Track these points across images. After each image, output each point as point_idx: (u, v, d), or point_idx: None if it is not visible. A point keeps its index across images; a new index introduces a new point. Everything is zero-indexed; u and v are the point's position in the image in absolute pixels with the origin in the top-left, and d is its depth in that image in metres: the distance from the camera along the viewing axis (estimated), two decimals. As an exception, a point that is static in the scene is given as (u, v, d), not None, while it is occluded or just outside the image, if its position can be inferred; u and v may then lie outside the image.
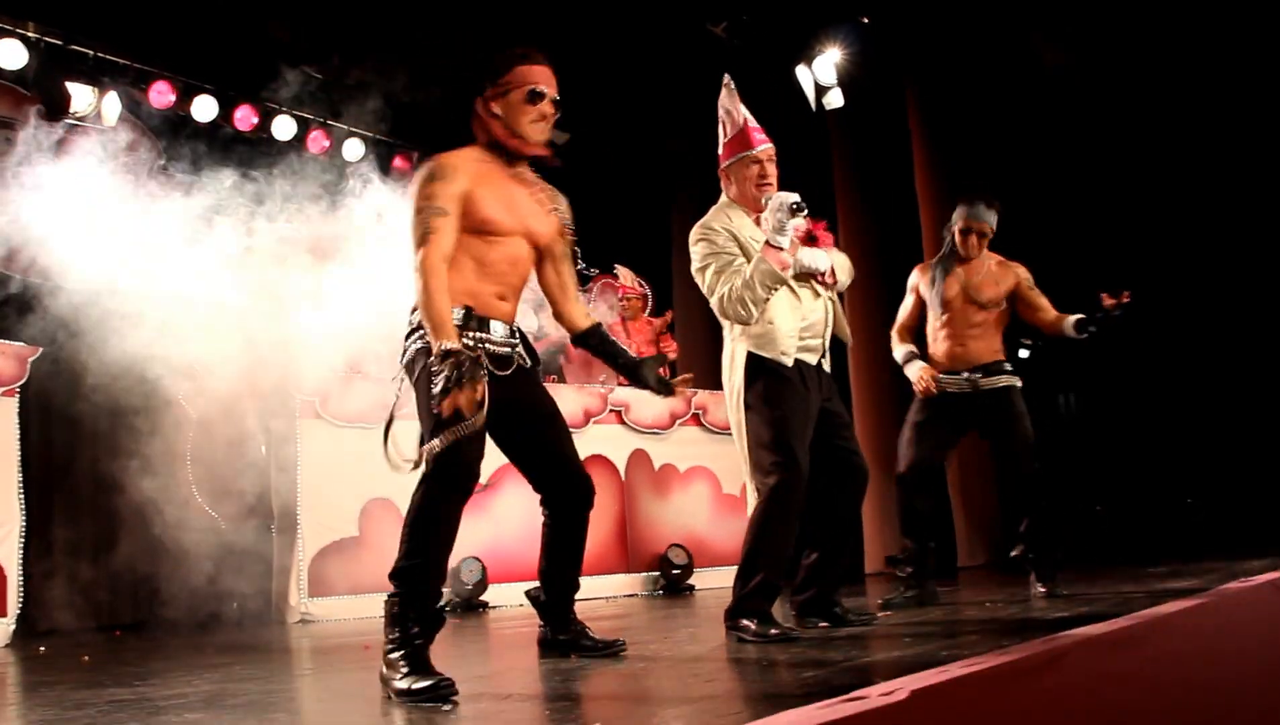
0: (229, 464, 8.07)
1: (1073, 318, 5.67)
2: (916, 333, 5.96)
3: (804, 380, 4.34)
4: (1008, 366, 5.80)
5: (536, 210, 3.67)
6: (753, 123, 4.50)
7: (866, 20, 8.96)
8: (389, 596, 3.28)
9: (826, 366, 4.53)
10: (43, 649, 5.75)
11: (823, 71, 9.08)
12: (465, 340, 3.31)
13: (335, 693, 3.51)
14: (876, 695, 2.17)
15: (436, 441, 3.19)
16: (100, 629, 6.98)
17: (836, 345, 4.67)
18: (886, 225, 9.86)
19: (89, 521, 7.11)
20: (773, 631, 3.99)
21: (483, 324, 3.49)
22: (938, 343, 5.85)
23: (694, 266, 4.44)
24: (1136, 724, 2.70)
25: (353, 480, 7.22)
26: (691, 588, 8.43)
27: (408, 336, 3.51)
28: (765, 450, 4.24)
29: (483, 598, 7.39)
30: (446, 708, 2.85)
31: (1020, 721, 2.47)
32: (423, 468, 3.27)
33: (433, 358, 3.16)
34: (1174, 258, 9.61)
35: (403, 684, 3.03)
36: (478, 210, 3.43)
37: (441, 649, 3.27)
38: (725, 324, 4.45)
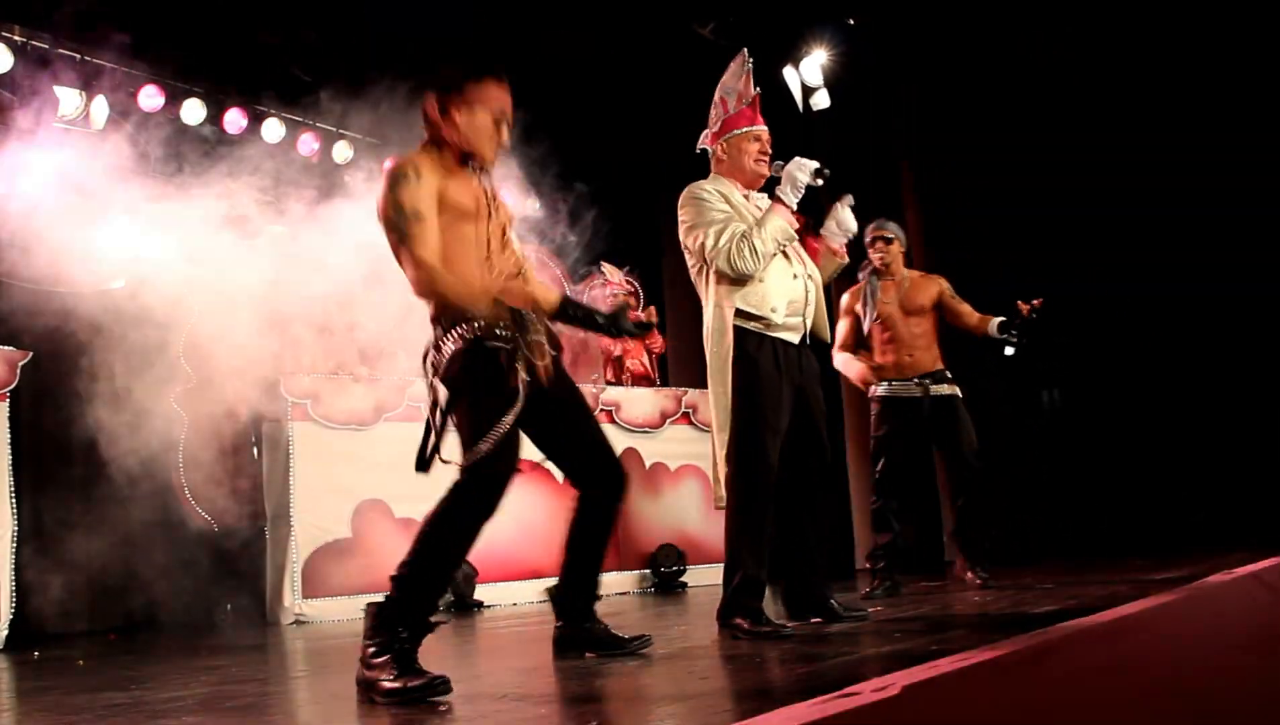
0: (221, 466, 8.08)
1: (996, 320, 6.17)
2: (855, 352, 6.41)
3: (782, 360, 4.33)
4: (949, 375, 6.32)
5: (495, 195, 3.60)
6: (759, 103, 4.54)
7: (853, 21, 9.00)
8: (385, 598, 3.20)
9: (825, 336, 4.61)
10: (36, 654, 5.75)
11: (810, 72, 9.13)
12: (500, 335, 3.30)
13: (332, 694, 3.52)
14: (869, 691, 2.20)
15: (484, 445, 3.18)
16: (94, 633, 6.98)
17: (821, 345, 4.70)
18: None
19: (81, 525, 7.09)
20: (765, 628, 4.02)
21: (516, 316, 3.40)
22: (885, 355, 6.33)
23: (683, 227, 4.41)
24: (1125, 716, 2.73)
25: (344, 482, 7.25)
26: (684, 585, 8.47)
27: (437, 346, 3.42)
28: (737, 440, 4.24)
29: (475, 597, 7.41)
30: (443, 707, 2.86)
31: (1011, 715, 2.51)
32: (457, 474, 3.26)
33: (465, 336, 3.23)
34: (1161, 252, 9.65)
35: (394, 684, 2.99)
36: (456, 201, 3.37)
37: (434, 648, 3.30)
38: (707, 288, 4.40)
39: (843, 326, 6.39)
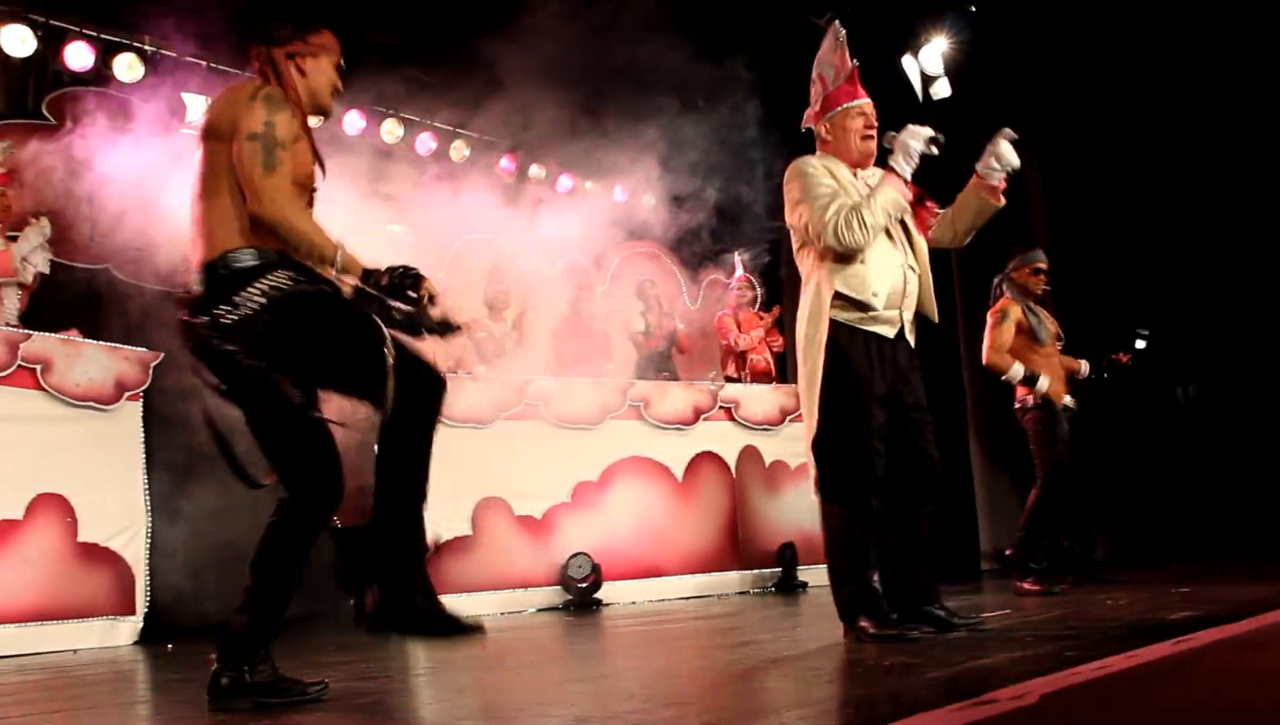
0: (346, 463, 8.21)
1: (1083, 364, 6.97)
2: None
3: (875, 355, 4.14)
4: None
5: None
6: (858, 75, 4.35)
7: (974, 8, 8.80)
8: (237, 631, 3.10)
9: (932, 316, 4.37)
10: (169, 646, 5.91)
11: (929, 61, 8.96)
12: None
13: (458, 690, 3.55)
14: (1006, 699, 2.13)
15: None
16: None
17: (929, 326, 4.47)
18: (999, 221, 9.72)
19: (211, 522, 7.27)
20: (890, 631, 3.92)
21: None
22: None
23: (788, 204, 4.26)
24: (1277, 729, 2.60)
25: (464, 480, 7.31)
26: (804, 585, 8.38)
27: (225, 292, 2.96)
28: (829, 436, 4.10)
29: (595, 595, 7.42)
30: (576, 706, 2.84)
31: (1154, 726, 2.41)
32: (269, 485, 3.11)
33: (357, 284, 2.98)
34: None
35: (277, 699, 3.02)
36: (304, 155, 3.16)
37: (558, 648, 3.28)
38: (807, 268, 4.26)
39: (1011, 331, 6.49)
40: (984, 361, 6.49)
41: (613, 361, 9.24)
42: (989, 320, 6.53)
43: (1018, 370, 6.35)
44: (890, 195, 4.10)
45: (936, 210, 4.47)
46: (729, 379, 9.18)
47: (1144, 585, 6.01)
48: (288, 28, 3.29)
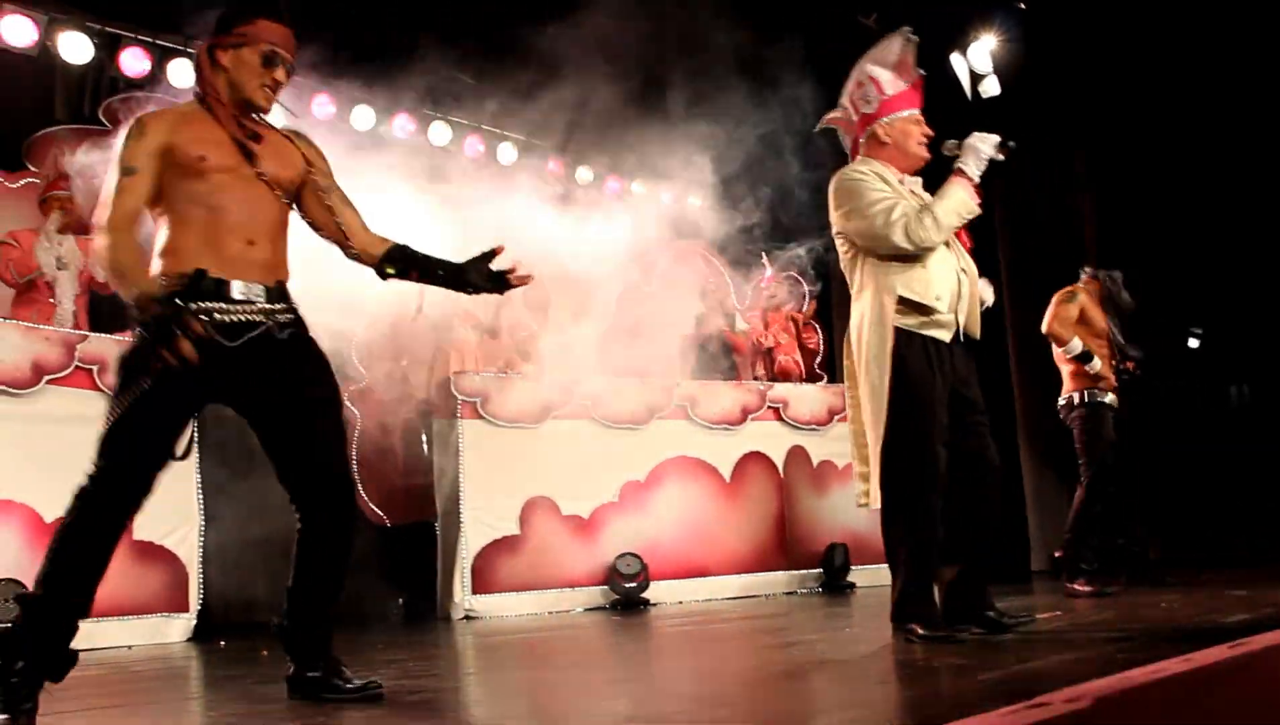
0: (393, 463, 8.31)
1: None
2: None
3: (934, 358, 4.11)
4: None
5: (264, 148, 3.19)
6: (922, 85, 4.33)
7: (1024, 5, 8.73)
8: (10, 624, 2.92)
9: (976, 333, 4.31)
10: (222, 643, 5.99)
11: (978, 59, 8.89)
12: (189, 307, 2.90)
13: (509, 690, 3.57)
14: (1060, 702, 2.10)
15: (111, 409, 2.91)
16: (275, 624, 7.22)
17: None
18: (1046, 217, 9.65)
19: (261, 521, 7.35)
20: (940, 633, 3.89)
21: (219, 287, 3.02)
22: (1105, 367, 6.57)
23: (838, 214, 4.21)
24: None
25: (513, 479, 7.37)
26: (852, 585, 8.35)
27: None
28: (891, 437, 4.06)
29: (643, 595, 7.43)
30: (622, 706, 2.86)
31: (1211, 731, 2.38)
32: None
33: (132, 312, 2.86)
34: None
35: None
36: (186, 152, 3.03)
37: (605, 648, 3.29)
38: (860, 276, 4.20)
39: (1075, 310, 6.55)
40: (1045, 330, 6.53)
41: (660, 362, 9.25)
42: (1055, 297, 6.60)
43: (1076, 344, 6.39)
44: (960, 196, 4.08)
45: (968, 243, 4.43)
46: (756, 380, 9.21)
47: (1199, 587, 5.94)
48: (216, 20, 3.19)
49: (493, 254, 3.36)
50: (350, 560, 3.25)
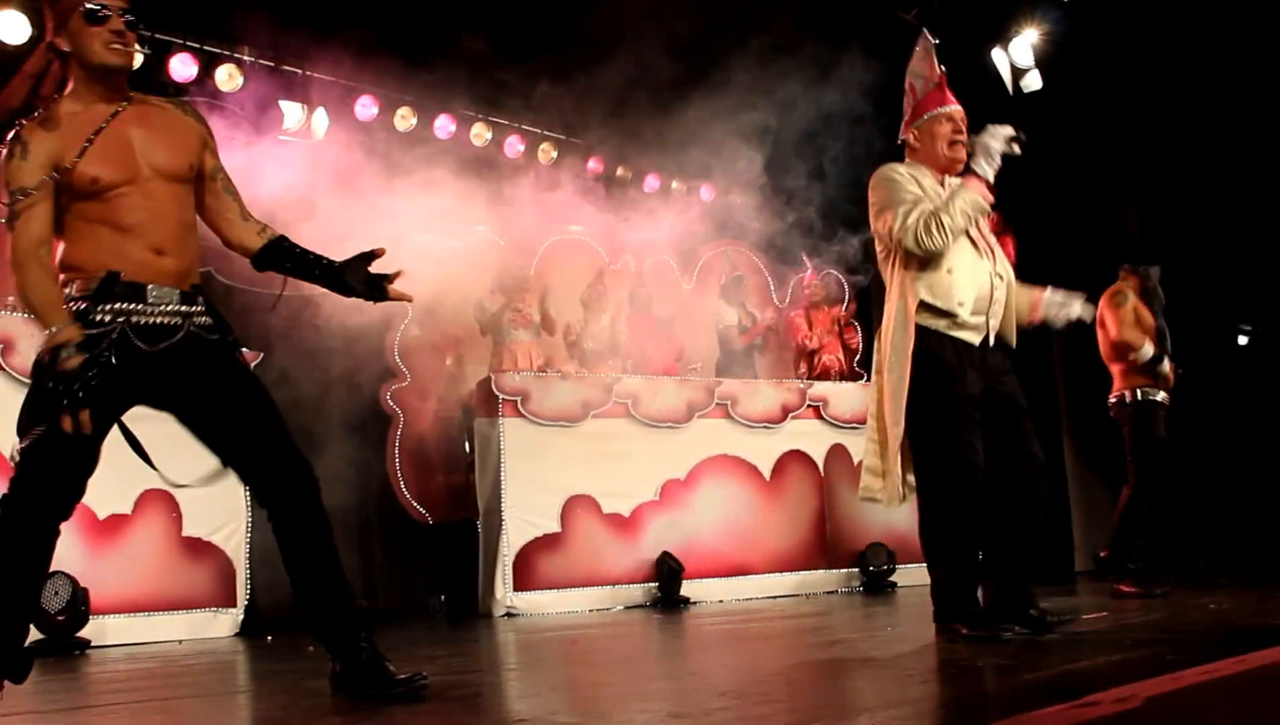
0: (434, 461, 8.37)
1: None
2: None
3: (964, 356, 4.09)
4: None
5: (156, 140, 3.04)
6: (946, 82, 4.31)
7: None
8: None
9: (1011, 340, 4.28)
10: (269, 638, 6.07)
11: (1020, 53, 8.80)
12: (102, 314, 2.87)
13: (551, 686, 3.59)
14: (1109, 701, 2.10)
15: (19, 440, 2.81)
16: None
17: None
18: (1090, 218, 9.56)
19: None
20: (983, 633, 3.87)
21: (134, 291, 2.94)
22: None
23: (872, 211, 4.21)
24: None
25: (554, 477, 7.40)
26: (893, 585, 8.31)
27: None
28: (926, 437, 4.04)
29: (683, 594, 7.44)
30: (659, 704, 2.87)
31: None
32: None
33: (42, 348, 2.79)
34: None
35: None
36: (82, 174, 2.87)
37: (647, 645, 3.30)
38: (892, 276, 4.20)
39: (1130, 313, 6.46)
40: (1115, 337, 6.38)
41: (698, 360, 9.27)
42: (1105, 301, 6.47)
43: (1148, 349, 6.30)
44: (970, 197, 4.04)
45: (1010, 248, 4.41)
46: (816, 377, 9.20)
47: (1248, 589, 5.89)
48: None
49: (372, 256, 3.22)
50: (331, 534, 3.12)
